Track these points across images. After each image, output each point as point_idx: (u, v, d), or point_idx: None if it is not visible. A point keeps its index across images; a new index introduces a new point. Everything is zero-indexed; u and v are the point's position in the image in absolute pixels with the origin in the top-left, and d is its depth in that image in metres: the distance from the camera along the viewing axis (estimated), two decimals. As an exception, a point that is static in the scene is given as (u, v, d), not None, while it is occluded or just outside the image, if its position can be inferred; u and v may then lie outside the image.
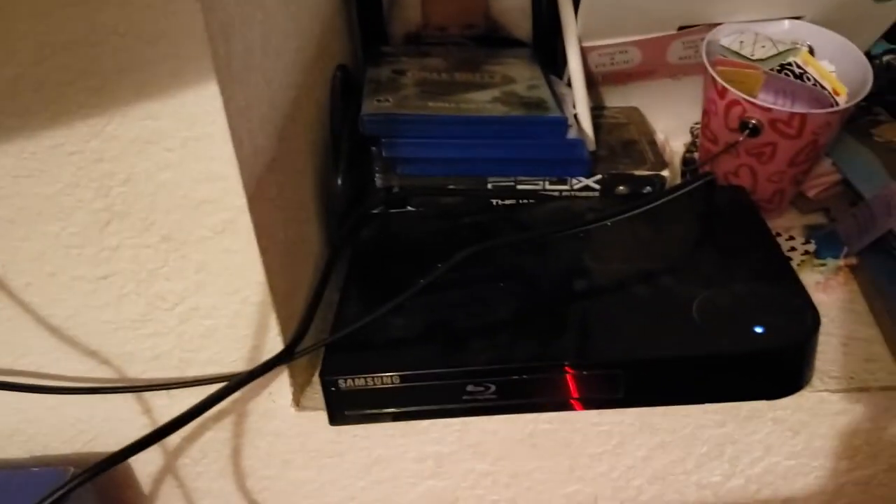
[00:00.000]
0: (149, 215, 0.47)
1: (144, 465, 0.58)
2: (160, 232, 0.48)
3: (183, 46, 0.42)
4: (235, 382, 0.50)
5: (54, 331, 0.52)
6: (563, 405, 0.52)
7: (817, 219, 0.70)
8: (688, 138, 0.80)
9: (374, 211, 0.67)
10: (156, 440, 0.48)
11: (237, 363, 0.53)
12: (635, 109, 0.78)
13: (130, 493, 0.60)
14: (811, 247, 0.64)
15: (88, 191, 0.46)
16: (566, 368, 0.50)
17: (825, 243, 0.64)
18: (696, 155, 0.73)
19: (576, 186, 0.66)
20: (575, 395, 0.51)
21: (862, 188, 0.68)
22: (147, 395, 0.55)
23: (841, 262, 0.63)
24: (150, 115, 0.44)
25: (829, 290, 0.61)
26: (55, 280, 0.50)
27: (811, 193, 0.71)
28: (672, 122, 0.79)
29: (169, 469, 0.58)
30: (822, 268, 0.63)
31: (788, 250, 0.64)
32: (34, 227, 0.48)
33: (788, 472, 0.56)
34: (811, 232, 0.67)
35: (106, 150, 0.45)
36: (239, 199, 0.47)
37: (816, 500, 0.58)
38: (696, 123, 0.81)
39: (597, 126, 0.72)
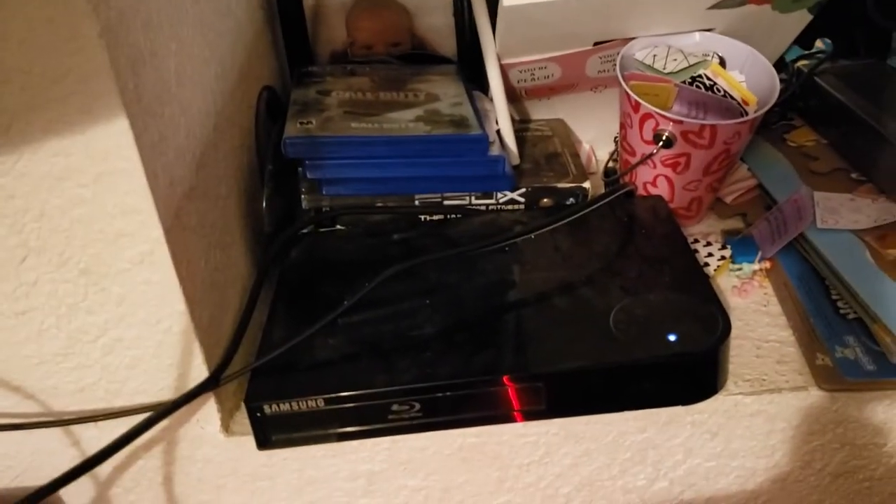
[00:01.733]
0: (65, 250, 0.47)
1: (77, 497, 0.58)
2: (78, 266, 0.48)
3: (89, 83, 0.42)
4: (160, 412, 0.50)
5: (-24, 368, 0.52)
6: (488, 419, 0.53)
7: (735, 224, 0.72)
8: (612, 147, 0.82)
9: (304, 231, 0.67)
10: (84, 471, 0.48)
11: (164, 392, 0.53)
12: (560, 121, 0.80)
13: (63, 527, 0.60)
14: (727, 252, 0.66)
15: (2, 227, 0.46)
16: (489, 383, 0.51)
17: (740, 248, 0.67)
18: (617, 166, 0.75)
19: (501, 200, 0.68)
20: (499, 408, 0.52)
21: (776, 193, 0.70)
22: (75, 427, 0.55)
23: (756, 266, 0.65)
24: (61, 151, 0.44)
25: (744, 293, 0.63)
26: (-27, 317, 0.50)
27: (729, 199, 0.73)
28: (597, 133, 0.81)
29: (101, 500, 0.58)
30: (738, 272, 0.65)
31: (706, 256, 0.66)
32: (-54, 264, 0.48)
33: (710, 472, 0.58)
34: (727, 237, 0.69)
35: (17, 187, 0.45)
36: (155, 231, 0.47)
37: (737, 499, 0.60)
38: (620, 133, 0.83)
39: (522, 139, 0.74)
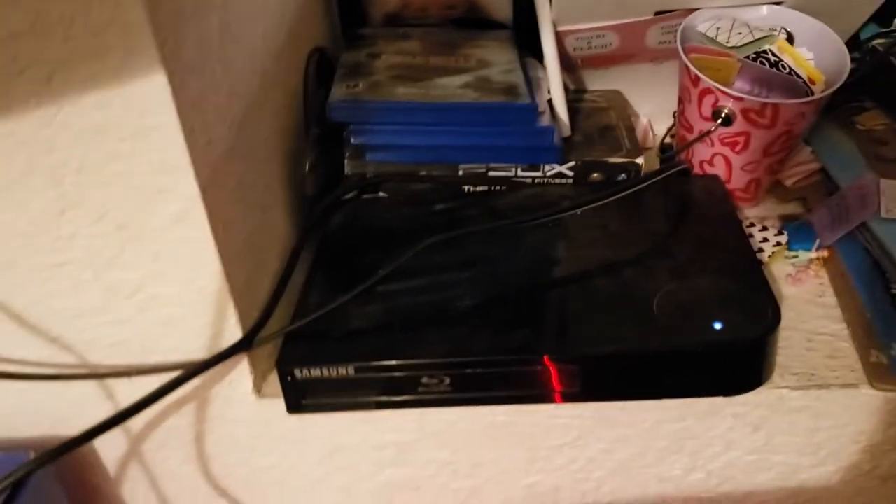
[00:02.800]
0: (103, 204, 0.47)
1: (109, 450, 0.59)
2: (115, 221, 0.48)
3: (129, 37, 0.41)
4: (192, 370, 0.50)
5: (16, 318, 0.52)
6: (520, 398, 0.52)
7: (794, 208, 0.69)
8: (671, 122, 0.79)
9: (346, 197, 0.67)
10: (117, 423, 0.48)
11: (198, 352, 0.53)
12: (617, 93, 0.78)
13: (96, 478, 0.60)
14: (783, 238, 0.64)
15: (42, 179, 0.46)
16: (523, 362, 0.50)
17: (797, 235, 0.64)
18: (674, 142, 0.72)
19: (549, 173, 0.66)
20: (532, 388, 0.51)
21: (839, 178, 0.67)
22: (109, 381, 0.55)
23: (813, 254, 0.62)
24: (101, 104, 0.43)
25: (798, 283, 0.61)
26: (14, 268, 0.50)
27: (789, 182, 0.70)
28: (655, 106, 0.78)
29: (134, 454, 0.59)
30: (793, 260, 0.63)
31: (761, 241, 0.63)
32: (-13, 216, 0.48)
33: (749, 466, 0.56)
34: (785, 223, 0.66)
35: (58, 140, 0.45)
36: (192, 190, 0.46)
37: (778, 495, 0.58)
38: (679, 108, 0.80)
39: (575, 110, 0.72)
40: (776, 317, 0.50)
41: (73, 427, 0.58)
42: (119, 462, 0.60)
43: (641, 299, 0.53)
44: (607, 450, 0.56)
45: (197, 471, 0.59)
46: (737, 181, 0.66)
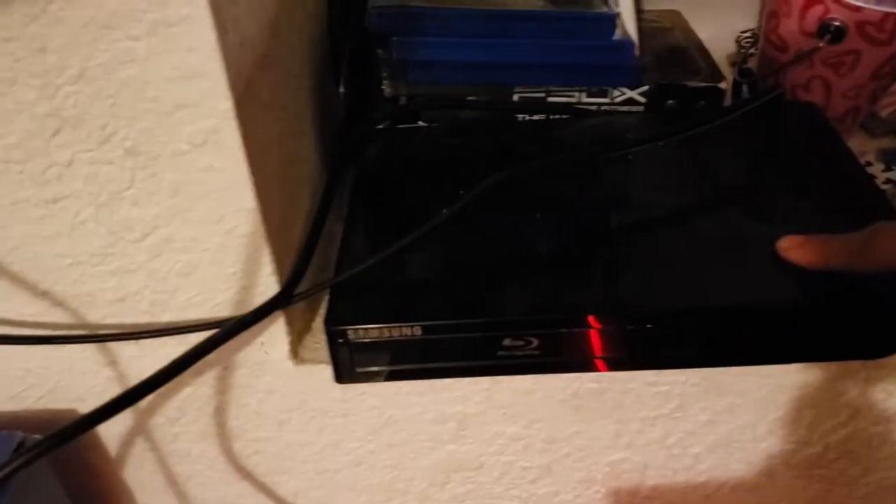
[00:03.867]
0: (109, 122, 0.37)
1: (110, 426, 0.49)
2: (123, 144, 0.38)
3: None
4: (226, 331, 0.40)
5: (-4, 266, 0.42)
6: (618, 363, 0.43)
7: (890, 142, 0.60)
8: (730, 48, 0.70)
9: (380, 126, 0.57)
10: (129, 403, 0.38)
11: (221, 307, 0.43)
12: (677, 13, 0.68)
13: (94, 457, 0.51)
14: (893, 174, 0.55)
15: (30, 90, 0.36)
16: (624, 321, 0.41)
17: (909, 171, 0.56)
18: (754, 66, 0.63)
19: (617, 99, 0.56)
20: (633, 351, 0.42)
21: (948, 107, 0.59)
22: (112, 344, 0.45)
23: (931, 193, 0.54)
24: (108, -11, 0.33)
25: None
26: (-7, 204, 0.40)
27: (885, 113, 0.61)
28: (716, 30, 0.69)
29: (140, 430, 0.49)
30: (906, 200, 0.54)
31: (867, 179, 0.55)
32: (-38, 136, 0.37)
33: (872, 439, 0.48)
34: (890, 157, 0.58)
35: (51, 37, 0.34)
36: (224, 103, 0.36)
37: (900, 471, 0.50)
38: (744, 32, 0.71)
39: (638, 30, 0.62)
40: (928, 265, 0.42)
41: (65, 399, 0.48)
42: (122, 439, 0.50)
43: (756, 246, 0.44)
44: (710, 422, 0.47)
45: (215, 449, 0.50)
46: (834, 109, 0.57)
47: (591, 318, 0.41)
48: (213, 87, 0.36)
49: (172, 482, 0.52)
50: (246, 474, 0.51)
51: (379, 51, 0.54)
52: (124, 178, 0.39)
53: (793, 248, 0.41)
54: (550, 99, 0.56)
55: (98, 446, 0.50)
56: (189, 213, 0.40)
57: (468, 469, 0.50)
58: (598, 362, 0.43)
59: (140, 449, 0.50)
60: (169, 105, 0.36)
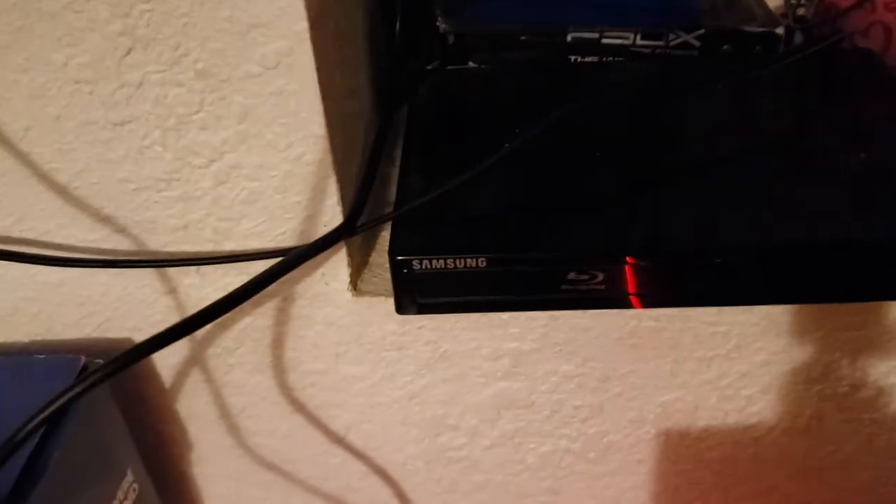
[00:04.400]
0: (181, 42, 0.37)
1: (166, 356, 0.49)
2: (195, 66, 0.37)
3: None
4: (291, 259, 0.40)
5: (59, 189, 0.42)
6: (682, 299, 0.43)
7: (947, 93, 0.60)
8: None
9: (430, 67, 0.56)
10: (192, 329, 0.38)
11: (285, 237, 0.43)
12: (731, -40, 0.67)
13: (149, 388, 0.51)
14: (952, 123, 0.55)
15: (104, 7, 0.36)
16: (690, 257, 0.41)
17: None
18: (804, 13, 0.62)
19: (672, 43, 0.55)
20: (696, 288, 0.42)
21: None
22: (172, 271, 0.45)
23: None
24: None
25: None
26: (60, 125, 0.39)
27: (943, 63, 0.60)
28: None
29: (195, 360, 0.49)
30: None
31: (926, 127, 0.54)
32: (35, 55, 0.37)
33: (929, 383, 0.48)
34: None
35: (126, -47, 0.34)
36: (299, 23, 0.36)
37: (955, 417, 0.50)
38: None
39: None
40: None
41: (123, 328, 0.49)
42: (177, 370, 0.50)
43: (818, 184, 0.43)
44: (766, 363, 0.47)
45: (270, 381, 0.50)
46: (892, 57, 0.56)
47: (654, 254, 0.41)
48: (290, 5, 0.36)
49: (225, 414, 0.52)
50: (299, 407, 0.51)
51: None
52: (193, 101, 0.39)
53: None
54: (604, 41, 0.56)
55: (153, 377, 0.51)
56: (257, 138, 0.40)
57: (519, 406, 0.51)
58: (659, 298, 0.43)
59: (195, 380, 0.51)
60: (243, 24, 0.36)
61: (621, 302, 0.43)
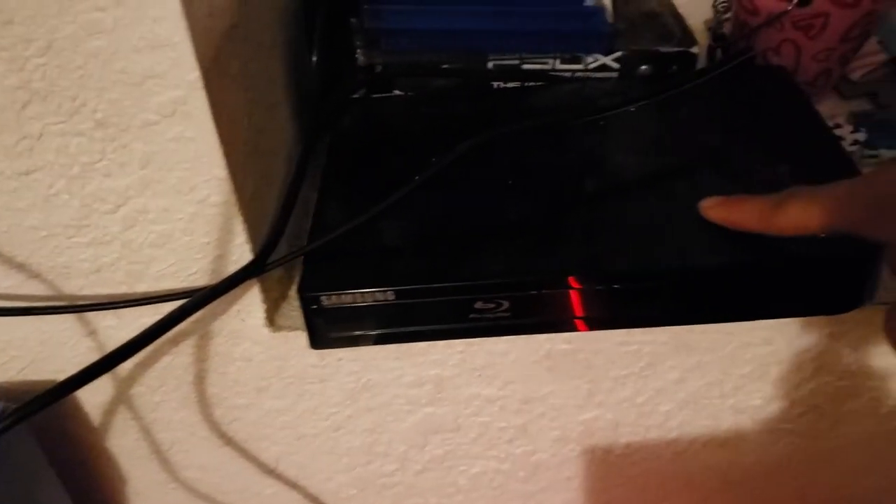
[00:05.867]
0: (78, 94, 0.37)
1: (92, 395, 0.50)
2: (93, 116, 0.38)
3: None
4: (199, 299, 0.41)
5: (-29, 240, 0.42)
6: (589, 323, 0.44)
7: (862, 105, 0.61)
8: (706, 14, 0.70)
9: (355, 95, 0.57)
10: (105, 369, 0.39)
11: (197, 277, 0.44)
12: (653, -21, 0.68)
13: (77, 427, 0.52)
14: (861, 136, 0.56)
15: (-3, 62, 0.36)
16: (594, 281, 0.42)
17: (877, 132, 0.56)
18: (727, 31, 0.64)
19: (591, 66, 0.57)
20: (604, 311, 0.43)
21: (917, 68, 0.59)
22: (90, 315, 0.46)
23: (897, 153, 0.55)
24: (71, -42, 0.33)
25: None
26: (-34, 177, 0.40)
27: (856, 76, 0.62)
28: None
29: (121, 399, 0.50)
30: (873, 160, 0.55)
31: (836, 140, 0.56)
32: (-69, 109, 0.38)
33: (839, 392, 0.49)
34: (859, 119, 0.58)
35: (17, 10, 0.35)
36: (191, 73, 0.37)
37: (867, 423, 0.51)
38: (721, -3, 0.71)
39: (610, -5, 0.62)
40: (891, 221, 0.42)
41: (46, 370, 0.49)
42: (104, 409, 0.51)
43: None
44: (679, 379, 0.48)
45: (197, 416, 0.51)
46: (805, 72, 0.57)
47: (559, 280, 0.42)
48: (180, 57, 0.36)
49: (156, 450, 0.53)
50: (227, 440, 0.52)
51: (352, 19, 0.55)
52: (95, 150, 0.39)
53: (712, 207, 0.42)
54: (525, 66, 0.57)
55: (81, 416, 0.51)
56: (160, 183, 0.40)
57: (446, 431, 0.51)
58: (568, 323, 0.44)
59: (123, 418, 0.51)
60: (137, 76, 0.37)
61: (527, 328, 0.44)
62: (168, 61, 0.36)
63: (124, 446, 0.53)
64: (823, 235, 0.37)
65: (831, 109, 0.61)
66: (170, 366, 0.48)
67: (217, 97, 0.38)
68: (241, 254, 0.43)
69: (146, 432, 0.52)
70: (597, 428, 0.51)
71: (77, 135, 0.39)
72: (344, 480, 0.55)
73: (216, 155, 0.39)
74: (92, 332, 0.47)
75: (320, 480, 0.55)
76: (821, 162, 0.47)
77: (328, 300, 0.42)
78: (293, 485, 0.55)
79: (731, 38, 0.61)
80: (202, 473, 0.54)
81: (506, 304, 0.43)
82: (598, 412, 0.50)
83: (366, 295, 0.42)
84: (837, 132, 0.57)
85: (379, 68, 0.56)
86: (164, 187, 0.41)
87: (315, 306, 0.42)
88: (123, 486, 0.56)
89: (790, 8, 0.53)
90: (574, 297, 0.43)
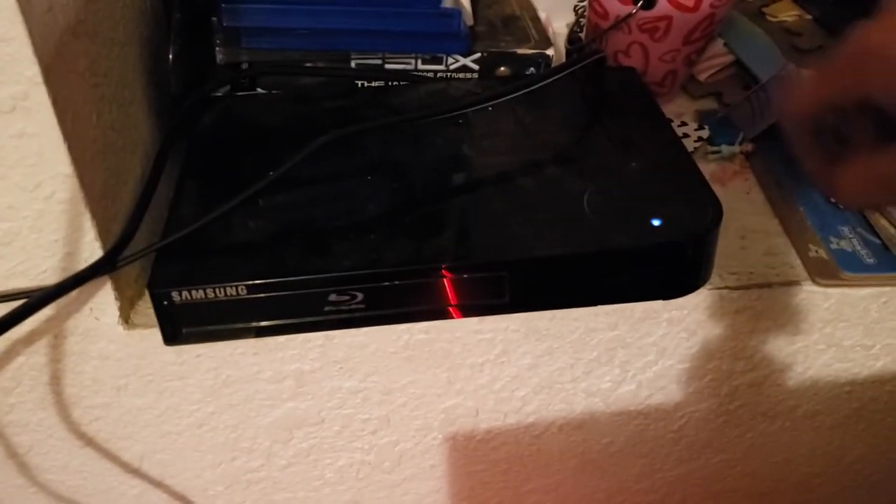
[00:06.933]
0: None
1: (-59, 400, 0.49)
2: (-72, 112, 0.37)
3: None
4: (38, 298, 0.40)
5: None
6: (442, 313, 0.46)
7: (709, 104, 0.65)
8: (570, 18, 0.73)
9: (218, 94, 0.57)
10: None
11: (48, 276, 0.43)
12: (517, -18, 0.71)
13: (-74, 434, 0.50)
14: (705, 133, 0.59)
15: None
16: (444, 272, 0.44)
17: (720, 129, 0.60)
18: (582, 34, 0.67)
19: (452, 66, 0.58)
20: (455, 301, 0.45)
21: (756, 70, 0.63)
22: (-67, 316, 0.45)
23: (737, 148, 0.58)
24: None
25: (724, 179, 0.57)
26: None
27: (703, 77, 0.66)
28: (554, 0, 0.72)
29: (-27, 402, 0.49)
30: (716, 156, 0.58)
31: (681, 137, 0.59)
32: None
33: (682, 375, 0.52)
34: (704, 117, 0.62)
35: None
36: (30, 69, 0.36)
37: (710, 403, 0.55)
38: (581, 1, 0.74)
39: (473, -1, 0.64)
40: (718, 211, 0.45)
41: None
42: (-46, 413, 0.49)
43: (569, 199, 0.47)
44: (532, 365, 0.50)
45: (54, 417, 0.50)
46: (653, 73, 0.61)
47: (410, 272, 0.43)
48: (18, 52, 0.36)
49: (13, 454, 0.52)
50: (88, 441, 0.51)
51: (213, 18, 0.55)
52: (-69, 148, 0.38)
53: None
54: (388, 66, 0.58)
55: (-70, 421, 0.50)
56: (4, 180, 0.40)
57: (310, 424, 0.52)
58: (424, 314, 0.45)
59: (-25, 422, 0.50)
60: (-26, 72, 0.36)
61: (382, 320, 0.45)
62: (5, 57, 0.36)
63: (-21, 452, 0.52)
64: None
65: (679, 108, 0.64)
66: (24, 366, 0.47)
67: (60, 93, 0.38)
68: (92, 251, 0.43)
69: (1, 435, 0.51)
70: (457, 415, 0.53)
71: (-90, 132, 0.38)
72: (210, 477, 0.55)
73: (61, 151, 0.39)
74: (-63, 335, 0.45)
75: (187, 478, 0.55)
76: (662, 157, 0.50)
77: (178, 296, 0.42)
78: (158, 483, 0.55)
79: (586, 40, 0.64)
80: (64, 476, 0.53)
81: (360, 297, 0.44)
82: (457, 400, 0.52)
83: (217, 290, 0.42)
84: (683, 129, 0.60)
85: (245, 66, 0.57)
86: (7, 184, 0.40)
87: (165, 302, 0.42)
88: (-20, 494, 0.54)
89: (634, 11, 0.56)
90: (427, 287, 0.44)
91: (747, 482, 0.62)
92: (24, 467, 0.53)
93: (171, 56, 0.53)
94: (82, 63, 0.41)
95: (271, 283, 0.43)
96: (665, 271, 0.46)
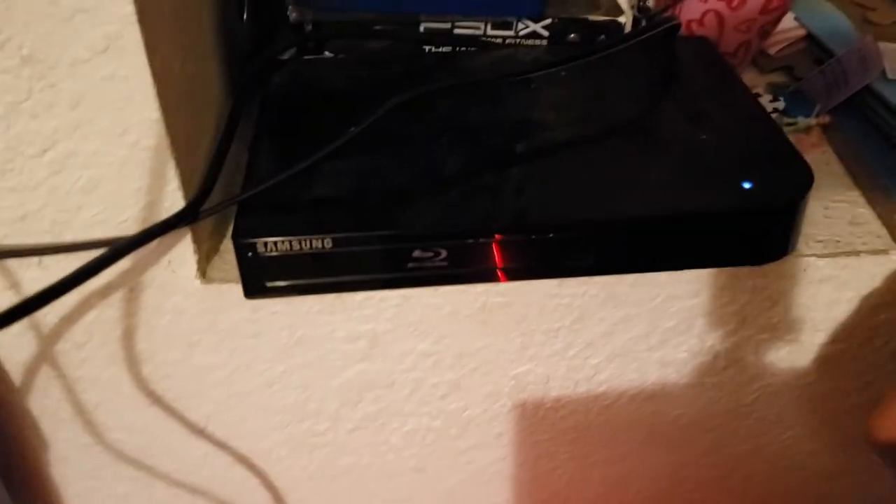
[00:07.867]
0: (3, 28, 0.36)
1: (13, 352, 0.48)
2: (20, 52, 0.37)
3: None
4: (122, 246, 0.40)
5: None
6: (524, 273, 0.45)
7: (778, 78, 0.64)
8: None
9: (285, 57, 0.56)
10: (21, 314, 0.37)
11: (128, 224, 0.43)
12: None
13: (-3, 386, 0.50)
14: (780, 104, 0.58)
15: (-84, -10, 0.35)
16: (529, 231, 0.43)
17: (794, 101, 0.59)
18: (650, 4, 0.65)
19: (521, 32, 0.58)
20: (539, 261, 0.44)
21: (831, 44, 0.62)
22: (12, 264, 0.44)
23: (813, 121, 0.57)
24: None
25: (802, 151, 0.55)
26: None
27: (773, 50, 0.64)
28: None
29: (45, 356, 0.48)
30: (791, 127, 0.57)
31: (756, 107, 0.58)
32: None
33: (760, 345, 0.51)
34: (777, 90, 0.61)
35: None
36: (125, 6, 0.36)
37: (786, 376, 0.54)
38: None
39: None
40: (809, 176, 0.45)
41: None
42: (25, 366, 0.49)
43: (655, 161, 0.46)
44: (608, 332, 0.49)
45: (125, 374, 0.49)
46: (727, 43, 0.60)
47: (495, 229, 0.42)
48: (114, -11, 0.35)
49: (80, 410, 0.51)
50: (156, 399, 0.51)
51: (285, -23, 0.54)
52: (21, 89, 0.38)
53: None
54: (456, 30, 0.57)
55: (1, 375, 0.49)
56: (91, 125, 0.39)
57: (379, 387, 0.51)
58: (502, 273, 0.45)
59: (46, 377, 0.49)
60: (67, 9, 0.36)
61: (465, 278, 0.44)
62: (101, -6, 0.35)
63: (47, 407, 0.51)
64: None
65: (749, 81, 0.63)
66: (97, 320, 0.46)
67: (151, 35, 0.38)
68: (174, 201, 0.42)
69: (70, 392, 0.50)
70: (528, 382, 0.52)
71: (2, 72, 0.37)
72: (276, 439, 0.54)
73: (150, 95, 0.39)
74: (14, 285, 0.45)
75: (252, 440, 0.54)
76: (747, 124, 0.49)
77: (263, 247, 0.41)
78: (223, 445, 0.54)
79: (656, 8, 0.63)
80: (128, 435, 0.53)
81: (444, 254, 0.43)
82: (529, 366, 0.51)
83: (303, 242, 0.41)
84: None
85: (309, 27, 0.56)
86: (94, 129, 0.39)
87: (250, 253, 0.42)
88: (45, 451, 0.54)
89: (714, -24, 0.55)
90: (506, 246, 0.43)
91: (814, 461, 0.61)
92: (90, 425, 0.52)
93: (244, 14, 0.52)
94: (167, 9, 0.41)
95: (357, 236, 0.42)
96: (757, 236, 0.45)
